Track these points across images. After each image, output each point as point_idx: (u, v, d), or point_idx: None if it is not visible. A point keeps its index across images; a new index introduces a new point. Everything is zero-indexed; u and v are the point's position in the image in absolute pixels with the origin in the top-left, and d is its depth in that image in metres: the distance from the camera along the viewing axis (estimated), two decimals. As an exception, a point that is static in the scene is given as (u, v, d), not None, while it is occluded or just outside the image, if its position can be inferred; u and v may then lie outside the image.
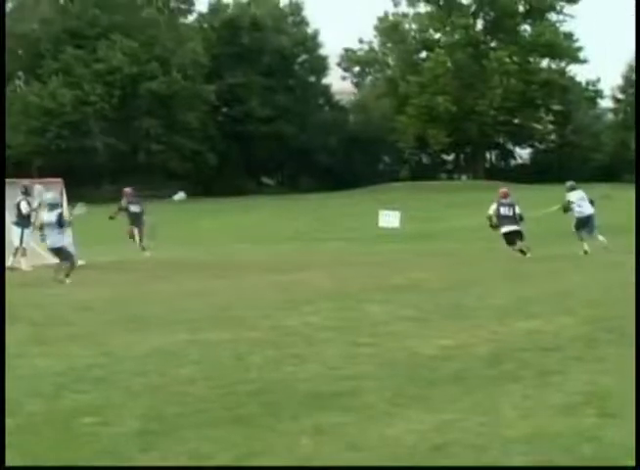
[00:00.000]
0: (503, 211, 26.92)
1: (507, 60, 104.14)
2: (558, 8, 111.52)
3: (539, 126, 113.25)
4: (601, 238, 27.19)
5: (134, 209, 32.85)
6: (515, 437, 7.76)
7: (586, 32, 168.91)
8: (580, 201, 27.59)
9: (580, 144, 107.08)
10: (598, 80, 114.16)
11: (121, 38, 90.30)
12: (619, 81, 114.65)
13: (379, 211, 43.35)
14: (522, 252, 26.37)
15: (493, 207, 27.29)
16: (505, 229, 26.79)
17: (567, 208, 27.91)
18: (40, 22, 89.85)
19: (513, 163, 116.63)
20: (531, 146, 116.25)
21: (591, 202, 27.86)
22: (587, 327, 13.65)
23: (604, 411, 8.57)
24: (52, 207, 23.93)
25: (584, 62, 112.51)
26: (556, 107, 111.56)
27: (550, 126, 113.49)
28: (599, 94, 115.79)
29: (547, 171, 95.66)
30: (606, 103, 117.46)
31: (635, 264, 16.37)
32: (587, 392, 9.36)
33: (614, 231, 30.89)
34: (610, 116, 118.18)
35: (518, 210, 26.97)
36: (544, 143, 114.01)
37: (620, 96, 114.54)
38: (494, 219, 27.06)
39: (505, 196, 27.64)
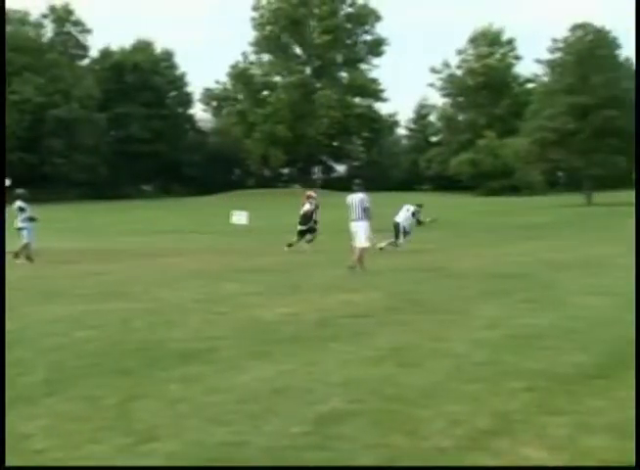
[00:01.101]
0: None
1: (330, 98, 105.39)
2: (366, 59, 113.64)
3: (353, 148, 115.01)
4: (401, 241, 26.42)
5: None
6: (335, 382, 7.80)
7: (388, 78, 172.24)
8: (400, 211, 27.06)
9: (383, 162, 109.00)
10: (396, 114, 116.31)
11: (31, 75, 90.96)
12: (412, 115, 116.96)
13: (231, 211, 43.40)
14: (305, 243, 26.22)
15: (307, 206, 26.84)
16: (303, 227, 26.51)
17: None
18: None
19: (333, 175, 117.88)
20: (347, 163, 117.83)
21: (413, 213, 26.78)
22: (389, 299, 13.82)
23: (403, 362, 8.67)
24: None
25: (386, 100, 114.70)
26: (365, 134, 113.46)
27: (361, 148, 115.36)
28: (396, 124, 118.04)
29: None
30: (401, 131, 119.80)
31: (635, 263, 16.15)
32: (390, 347, 9.46)
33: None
34: (404, 141, 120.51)
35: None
36: (357, 161, 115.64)
37: (413, 126, 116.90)
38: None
39: (311, 197, 27.20)
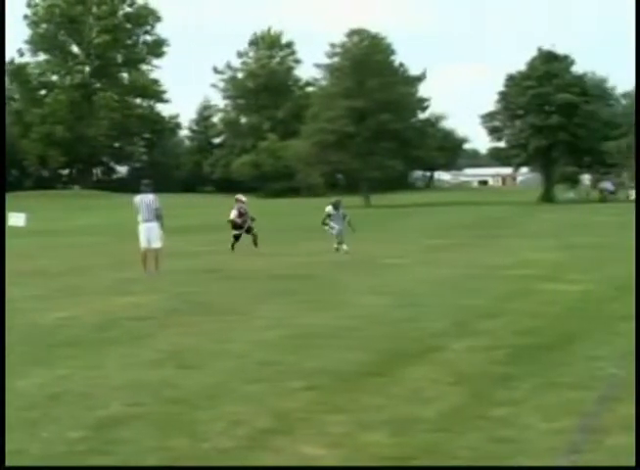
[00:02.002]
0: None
1: (110, 98, 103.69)
2: (147, 60, 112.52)
3: (134, 149, 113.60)
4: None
5: None
6: (115, 385, 7.71)
7: (170, 79, 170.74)
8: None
9: (166, 163, 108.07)
10: (178, 115, 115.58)
11: None
12: (195, 116, 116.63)
13: (8, 213, 41.78)
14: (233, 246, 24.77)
15: (234, 212, 25.46)
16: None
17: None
18: None
19: (114, 176, 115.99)
20: (129, 164, 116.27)
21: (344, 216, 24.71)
22: (172, 301, 13.73)
23: (184, 364, 8.64)
24: None
25: (167, 101, 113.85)
26: (147, 135, 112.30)
27: (142, 149, 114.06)
28: (179, 126, 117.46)
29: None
30: (184, 132, 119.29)
31: (635, 262, 16.01)
32: (172, 350, 9.41)
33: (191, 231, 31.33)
34: (187, 142, 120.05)
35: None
36: (138, 162, 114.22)
37: (195, 128, 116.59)
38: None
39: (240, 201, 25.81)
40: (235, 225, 25.05)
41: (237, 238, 24.85)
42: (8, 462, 5.71)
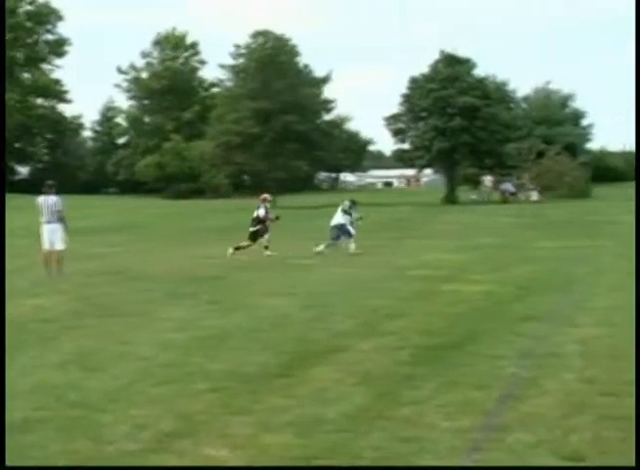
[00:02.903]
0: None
1: (11, 98, 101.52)
2: (49, 59, 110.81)
3: (36, 150, 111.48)
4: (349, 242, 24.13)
5: None
6: (21, 390, 7.61)
7: (71, 79, 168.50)
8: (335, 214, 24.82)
9: (69, 164, 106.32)
10: (81, 116, 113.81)
11: None
12: (98, 117, 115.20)
13: None
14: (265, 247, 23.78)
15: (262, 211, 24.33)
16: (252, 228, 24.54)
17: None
18: None
19: (16, 178, 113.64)
20: (30, 165, 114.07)
21: (345, 212, 24.61)
22: (76, 303, 13.56)
23: (88, 366, 8.56)
24: None
25: (70, 101, 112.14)
26: (49, 135, 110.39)
27: (44, 150, 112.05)
28: (82, 126, 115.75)
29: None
30: (88, 133, 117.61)
31: (635, 262, 15.68)
32: (75, 352, 9.31)
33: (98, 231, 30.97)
34: (91, 143, 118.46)
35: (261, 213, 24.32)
36: (40, 163, 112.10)
37: (99, 128, 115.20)
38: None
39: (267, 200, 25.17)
40: (256, 223, 24.47)
41: (255, 238, 24.08)
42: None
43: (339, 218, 24.53)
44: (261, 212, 24.57)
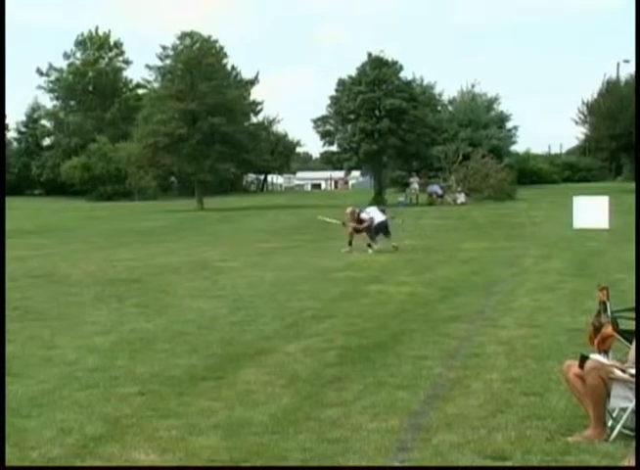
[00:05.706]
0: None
1: None
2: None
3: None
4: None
5: None
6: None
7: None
8: (373, 212, 24.56)
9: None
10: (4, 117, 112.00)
11: None
12: (22, 118, 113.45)
13: None
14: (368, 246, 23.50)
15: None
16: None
17: None
18: None
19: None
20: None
21: (382, 211, 25.04)
22: None
23: (9, 372, 8.45)
24: None
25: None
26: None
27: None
28: (6, 127, 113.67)
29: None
30: (12, 134, 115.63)
31: (635, 262, 15.40)
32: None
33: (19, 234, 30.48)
34: (15, 144, 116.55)
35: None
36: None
37: (23, 129, 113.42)
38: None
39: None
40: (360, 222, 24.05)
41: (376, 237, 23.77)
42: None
43: (380, 216, 24.50)
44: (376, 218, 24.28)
